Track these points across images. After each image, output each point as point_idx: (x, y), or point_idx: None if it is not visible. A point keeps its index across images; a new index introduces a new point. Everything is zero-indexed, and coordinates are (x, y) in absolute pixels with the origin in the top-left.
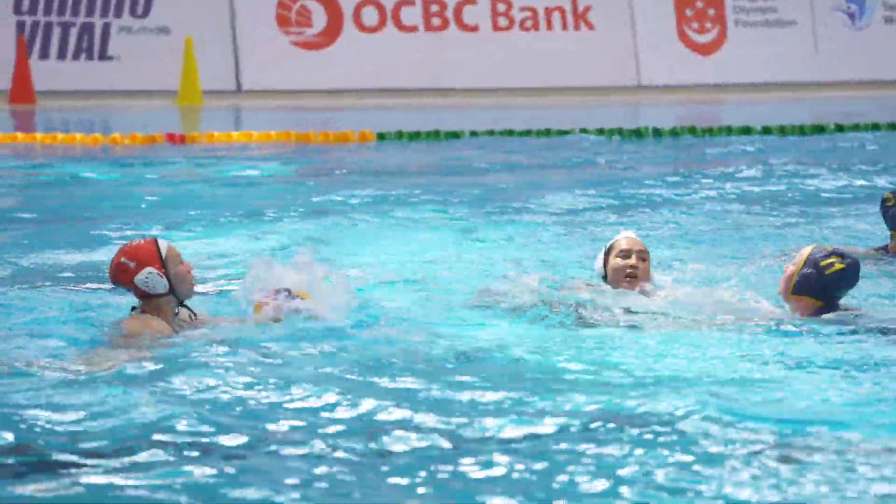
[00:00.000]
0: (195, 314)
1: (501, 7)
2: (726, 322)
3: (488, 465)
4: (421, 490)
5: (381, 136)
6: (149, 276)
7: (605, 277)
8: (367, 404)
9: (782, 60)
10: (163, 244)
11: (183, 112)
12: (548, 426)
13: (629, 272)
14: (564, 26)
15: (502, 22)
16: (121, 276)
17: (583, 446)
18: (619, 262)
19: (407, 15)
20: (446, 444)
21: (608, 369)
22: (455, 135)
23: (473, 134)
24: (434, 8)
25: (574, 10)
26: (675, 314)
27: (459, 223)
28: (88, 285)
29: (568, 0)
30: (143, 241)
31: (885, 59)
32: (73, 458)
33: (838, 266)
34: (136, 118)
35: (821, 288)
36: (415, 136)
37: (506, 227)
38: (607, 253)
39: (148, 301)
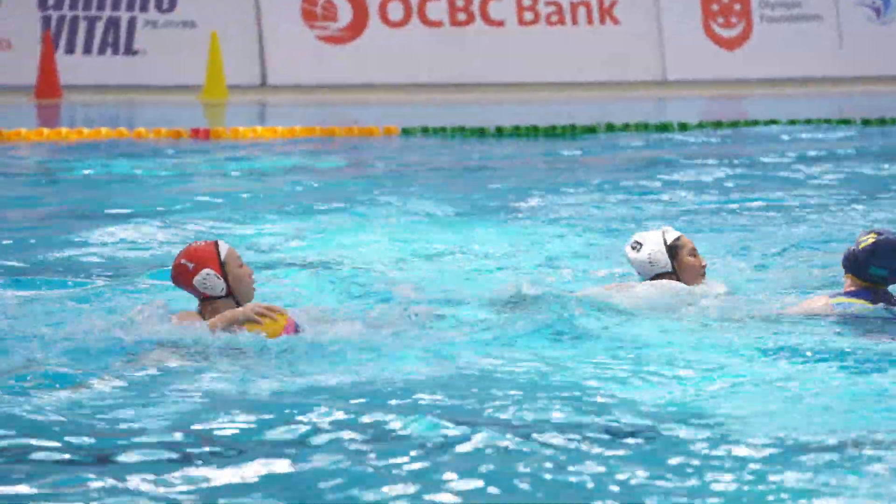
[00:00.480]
0: None
1: (527, 2)
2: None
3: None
4: (415, 489)
5: (406, 132)
6: (206, 278)
7: (664, 274)
8: (379, 407)
9: (807, 55)
10: (223, 247)
11: (208, 107)
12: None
13: (702, 271)
14: (590, 21)
15: (528, 17)
16: (180, 277)
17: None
18: (693, 260)
19: (433, 10)
20: (459, 444)
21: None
22: (480, 130)
23: (499, 129)
24: (460, 3)
25: (600, 5)
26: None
27: (485, 219)
28: (113, 279)
29: None
30: (203, 243)
31: None
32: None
33: (870, 241)
34: (161, 113)
35: (857, 265)
36: (440, 131)
37: (531, 222)
38: (674, 250)
39: (208, 302)
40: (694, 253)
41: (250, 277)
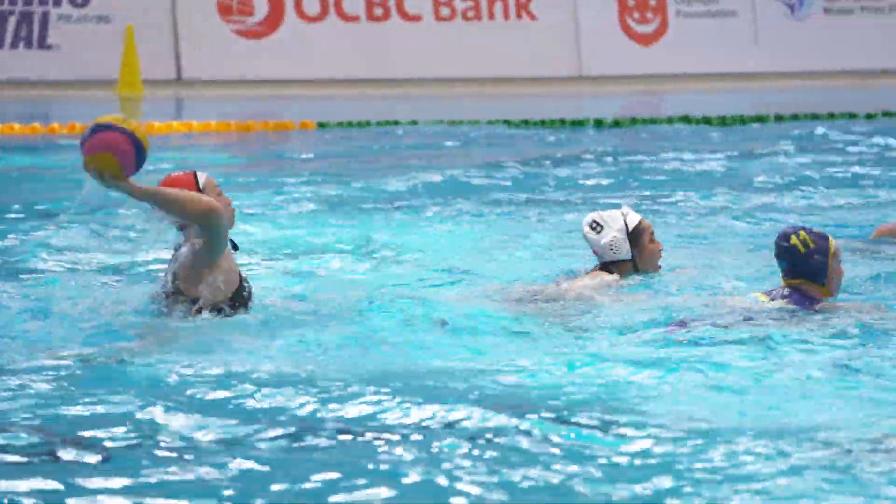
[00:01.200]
0: (237, 246)
1: None
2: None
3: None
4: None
5: (321, 126)
6: None
7: (623, 262)
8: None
9: (723, 51)
10: (202, 176)
11: (123, 101)
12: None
13: (660, 255)
14: (507, 16)
15: (444, 12)
16: None
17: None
18: (652, 246)
19: (349, 4)
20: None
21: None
22: (395, 124)
23: (414, 123)
24: None
25: (516, 1)
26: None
27: (397, 213)
28: (32, 274)
29: None
30: (182, 173)
31: (825, 49)
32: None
33: None
34: (76, 108)
35: None
36: (356, 125)
37: (446, 217)
38: (635, 237)
39: (185, 231)
40: (653, 237)
41: (229, 207)
